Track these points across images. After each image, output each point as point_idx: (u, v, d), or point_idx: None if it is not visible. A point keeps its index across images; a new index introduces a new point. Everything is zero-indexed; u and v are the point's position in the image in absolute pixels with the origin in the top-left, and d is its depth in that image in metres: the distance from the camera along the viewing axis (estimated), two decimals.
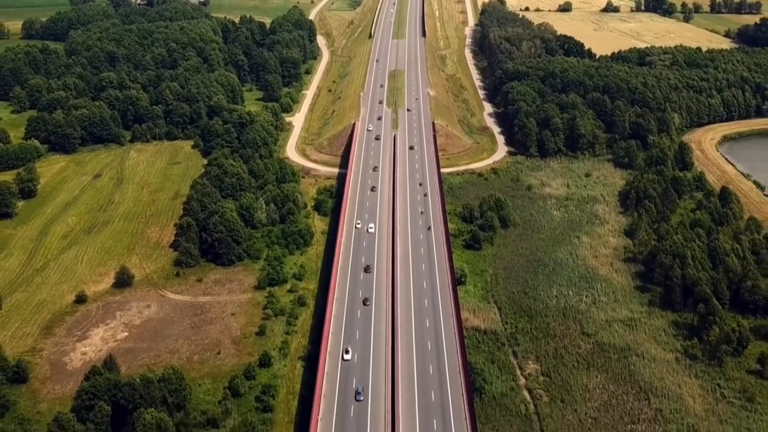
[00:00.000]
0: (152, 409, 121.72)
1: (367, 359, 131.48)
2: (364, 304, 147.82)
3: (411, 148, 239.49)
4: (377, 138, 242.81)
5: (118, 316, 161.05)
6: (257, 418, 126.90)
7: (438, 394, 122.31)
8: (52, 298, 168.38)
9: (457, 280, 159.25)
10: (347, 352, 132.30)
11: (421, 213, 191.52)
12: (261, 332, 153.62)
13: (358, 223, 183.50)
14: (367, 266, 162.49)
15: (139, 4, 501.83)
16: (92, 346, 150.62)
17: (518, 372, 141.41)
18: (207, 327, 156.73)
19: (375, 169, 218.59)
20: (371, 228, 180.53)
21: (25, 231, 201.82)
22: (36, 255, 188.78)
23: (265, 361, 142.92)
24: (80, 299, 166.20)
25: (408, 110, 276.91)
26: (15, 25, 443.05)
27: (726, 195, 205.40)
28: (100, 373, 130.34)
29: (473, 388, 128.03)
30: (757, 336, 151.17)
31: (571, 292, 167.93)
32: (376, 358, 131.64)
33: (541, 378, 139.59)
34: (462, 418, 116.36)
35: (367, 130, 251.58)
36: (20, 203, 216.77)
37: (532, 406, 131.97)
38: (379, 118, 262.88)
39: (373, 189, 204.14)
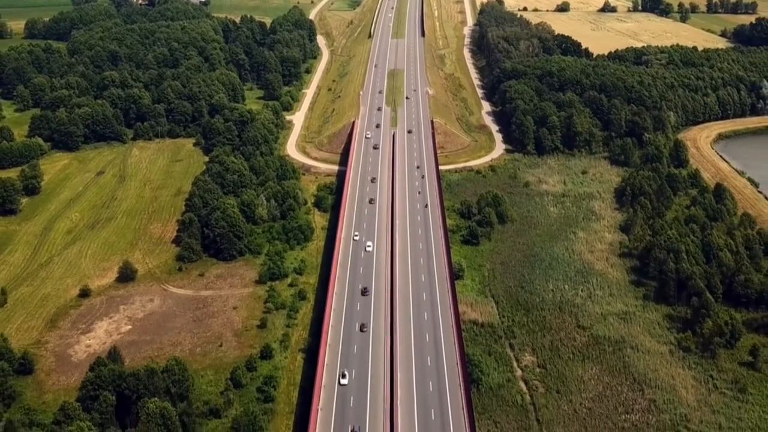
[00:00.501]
0: (156, 398, 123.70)
1: (366, 355, 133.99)
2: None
3: (409, 131, 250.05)
4: (375, 147, 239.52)
5: (122, 309, 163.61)
6: (258, 408, 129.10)
7: (436, 385, 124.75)
8: (57, 292, 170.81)
9: (455, 275, 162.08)
10: (344, 376, 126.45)
11: (419, 193, 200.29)
12: (262, 325, 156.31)
13: (356, 235, 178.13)
14: (365, 286, 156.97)
15: (140, 4, 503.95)
16: (96, 338, 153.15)
17: (515, 364, 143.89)
18: (209, 320, 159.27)
19: (373, 180, 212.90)
20: (369, 247, 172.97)
21: (30, 227, 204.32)
22: (40, 250, 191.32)
23: (266, 353, 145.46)
24: (84, 293, 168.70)
25: (407, 98, 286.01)
26: (18, 25, 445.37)
27: (720, 192, 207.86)
28: (104, 365, 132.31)
29: (470, 379, 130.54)
30: (749, 329, 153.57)
31: (567, 287, 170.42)
32: (375, 357, 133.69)
33: (537, 369, 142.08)
34: (459, 408, 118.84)
35: (366, 137, 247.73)
36: (24, 200, 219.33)
37: (528, 397, 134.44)
38: (378, 126, 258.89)
39: (371, 202, 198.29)
